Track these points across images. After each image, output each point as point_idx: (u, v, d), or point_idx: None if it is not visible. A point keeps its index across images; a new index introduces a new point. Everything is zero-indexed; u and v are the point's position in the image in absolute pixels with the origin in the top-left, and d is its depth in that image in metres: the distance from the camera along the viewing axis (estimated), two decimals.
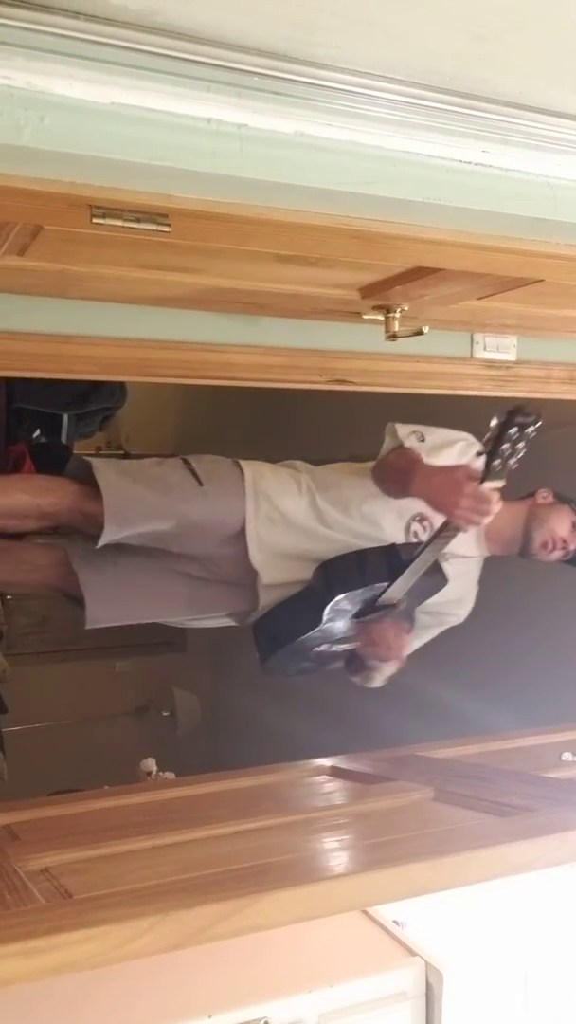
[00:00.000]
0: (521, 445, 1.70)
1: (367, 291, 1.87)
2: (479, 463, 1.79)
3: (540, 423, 1.68)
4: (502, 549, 2.29)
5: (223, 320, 2.02)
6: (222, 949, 1.33)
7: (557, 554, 2.22)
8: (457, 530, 1.91)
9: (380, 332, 1.97)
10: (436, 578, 2.12)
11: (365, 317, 1.97)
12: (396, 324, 1.95)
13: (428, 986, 1.54)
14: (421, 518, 2.18)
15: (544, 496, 2.26)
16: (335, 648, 2.20)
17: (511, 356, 2.29)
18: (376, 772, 1.88)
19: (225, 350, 2.03)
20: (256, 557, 2.15)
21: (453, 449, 2.14)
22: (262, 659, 2.23)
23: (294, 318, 2.07)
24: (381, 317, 1.96)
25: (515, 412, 1.67)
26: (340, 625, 2.16)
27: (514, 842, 1.35)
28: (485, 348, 2.25)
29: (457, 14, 1.05)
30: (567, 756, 2.04)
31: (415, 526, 2.20)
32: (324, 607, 2.08)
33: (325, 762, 2.02)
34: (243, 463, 2.22)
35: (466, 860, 1.31)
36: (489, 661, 3.23)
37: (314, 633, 2.13)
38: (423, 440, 2.13)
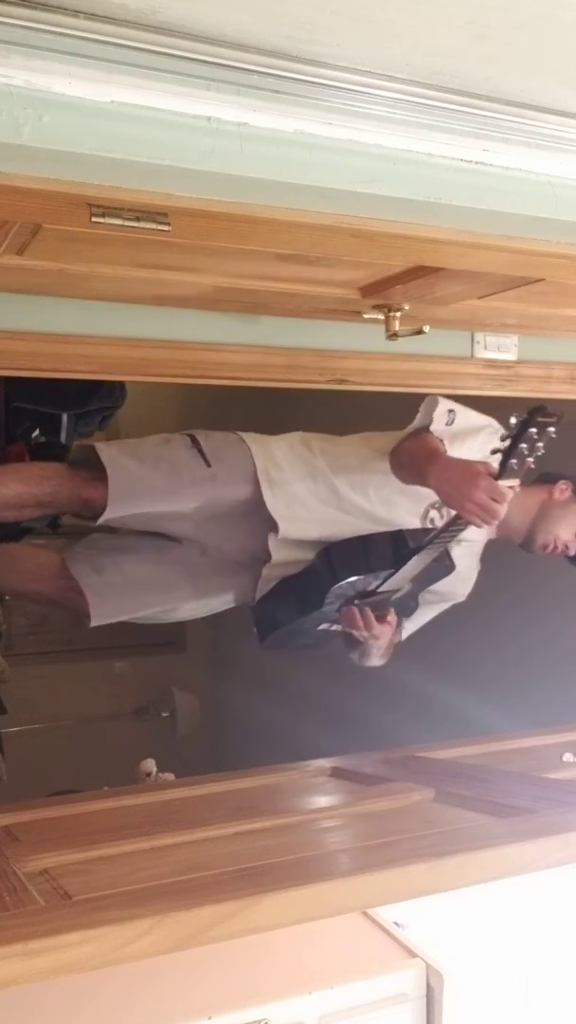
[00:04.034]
0: (540, 444, 1.68)
1: (367, 290, 1.87)
2: (494, 460, 1.76)
3: (560, 422, 1.67)
4: (507, 534, 2.23)
5: (223, 319, 2.02)
6: (222, 950, 1.33)
7: (558, 554, 2.20)
8: (467, 525, 1.88)
9: (381, 331, 1.97)
10: (444, 565, 2.08)
11: (365, 316, 1.97)
12: (396, 323, 1.95)
13: (429, 988, 1.53)
14: (440, 505, 2.12)
15: (563, 489, 2.19)
16: (335, 627, 2.16)
17: (512, 355, 2.29)
18: (376, 773, 1.88)
19: (225, 349, 2.03)
20: (273, 542, 2.09)
21: (477, 438, 2.08)
22: (261, 637, 2.20)
23: (294, 317, 2.06)
24: (381, 316, 1.96)
25: (536, 411, 1.66)
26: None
27: (515, 843, 1.35)
28: (486, 347, 2.25)
29: (458, 12, 1.05)
30: (568, 757, 2.03)
31: (432, 512, 2.15)
32: (327, 591, 2.05)
33: (325, 763, 2.02)
34: (251, 443, 2.15)
35: (467, 861, 1.30)
36: (492, 662, 3.23)
37: (314, 614, 2.11)
38: (451, 424, 2.07)
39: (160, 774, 2.41)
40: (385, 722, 3.18)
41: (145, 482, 2.08)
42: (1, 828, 1.58)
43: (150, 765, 2.44)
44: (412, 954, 1.57)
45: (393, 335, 1.96)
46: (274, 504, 2.09)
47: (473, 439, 2.08)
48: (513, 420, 1.68)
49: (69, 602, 2.23)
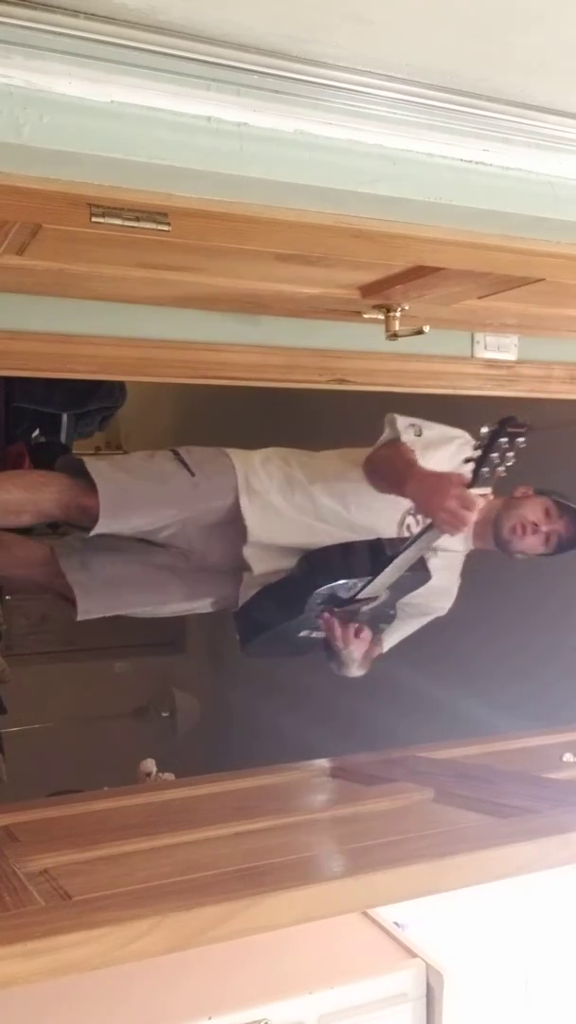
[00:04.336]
0: (511, 454, 1.72)
1: (368, 290, 1.87)
2: (467, 469, 1.80)
3: (529, 433, 1.70)
4: (482, 542, 2.28)
5: (223, 319, 2.02)
6: (222, 950, 1.33)
7: (533, 540, 2.18)
8: (441, 533, 1.92)
9: (381, 331, 1.97)
10: (419, 574, 2.12)
11: (366, 316, 1.97)
12: (397, 323, 1.95)
13: (429, 987, 1.54)
14: (416, 512, 2.17)
15: (523, 491, 2.24)
16: (315, 635, 2.20)
17: (512, 355, 2.29)
18: (376, 773, 1.88)
19: (225, 349, 2.03)
20: (248, 551, 2.15)
21: (448, 448, 2.14)
22: (242, 643, 2.25)
23: (294, 317, 2.07)
24: (382, 316, 1.96)
25: (507, 422, 1.70)
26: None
27: (515, 843, 1.35)
28: (486, 347, 2.25)
29: (458, 12, 1.05)
30: (568, 757, 2.03)
31: (409, 520, 2.19)
32: (306, 597, 2.10)
33: (325, 763, 2.02)
34: (232, 455, 2.22)
35: (467, 861, 1.30)
36: (494, 664, 3.22)
37: (295, 621, 2.15)
38: (420, 435, 2.13)
39: (160, 774, 2.41)
40: (385, 722, 3.18)
41: (134, 492, 2.13)
42: (1, 828, 1.58)
43: (150, 765, 2.44)
44: (412, 954, 1.57)
45: (393, 335, 1.96)
46: (249, 510, 2.14)
47: (444, 449, 2.13)
48: (484, 430, 1.72)
49: (57, 587, 2.29)
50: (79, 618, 2.23)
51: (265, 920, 1.16)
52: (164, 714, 4.97)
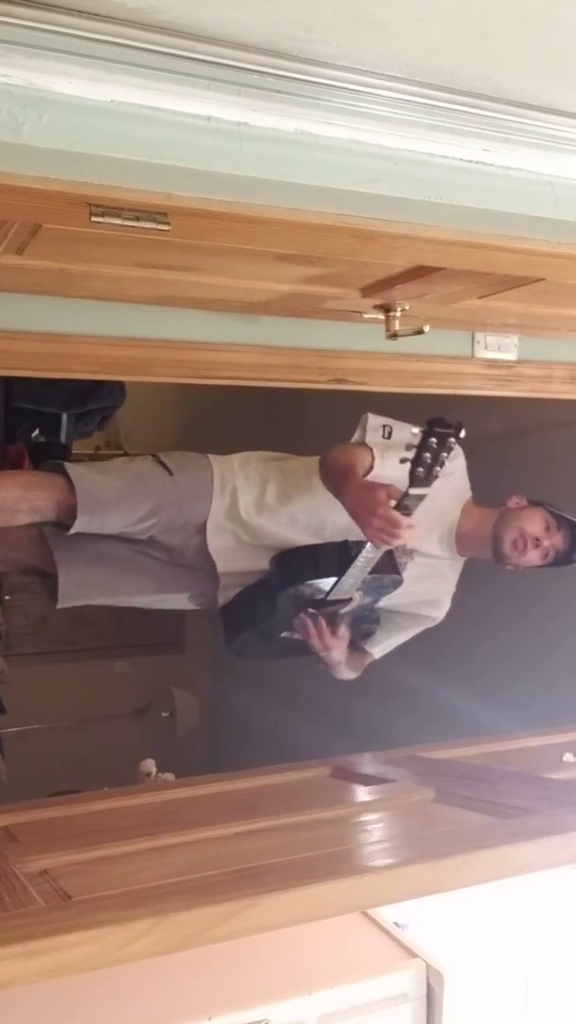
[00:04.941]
0: (445, 454, 1.74)
1: (368, 290, 1.87)
2: (403, 470, 1.81)
3: (462, 434, 1.72)
4: (474, 552, 2.27)
5: (223, 319, 2.02)
6: (222, 951, 1.33)
7: (533, 555, 2.17)
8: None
9: (381, 331, 1.97)
10: (390, 577, 2.13)
11: (366, 316, 1.97)
12: (397, 323, 1.95)
13: (429, 988, 1.54)
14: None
15: (516, 501, 2.23)
16: (296, 636, 2.21)
17: (512, 355, 2.29)
18: (376, 773, 1.88)
19: (225, 349, 2.03)
20: (214, 546, 2.18)
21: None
22: (226, 641, 2.28)
23: (294, 317, 2.06)
24: (382, 316, 1.96)
25: (434, 422, 1.72)
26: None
27: (515, 843, 1.35)
28: (486, 347, 2.25)
29: (458, 12, 1.05)
30: (568, 757, 2.03)
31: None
32: (276, 598, 2.12)
33: (325, 763, 2.02)
34: (212, 458, 2.25)
35: (467, 861, 1.30)
36: (495, 665, 3.22)
37: (272, 621, 2.17)
38: (389, 436, 2.13)
39: (160, 774, 2.41)
40: (385, 722, 3.19)
41: (111, 489, 2.17)
42: (1, 828, 1.58)
43: (150, 765, 2.44)
44: (412, 954, 1.57)
45: (393, 335, 1.96)
46: (218, 508, 2.17)
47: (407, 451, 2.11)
48: (414, 431, 1.75)
49: (49, 568, 2.30)
50: (59, 604, 2.25)
51: (265, 920, 1.16)
52: (164, 714, 4.97)
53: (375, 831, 1.54)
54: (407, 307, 1.93)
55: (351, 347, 2.12)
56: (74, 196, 1.19)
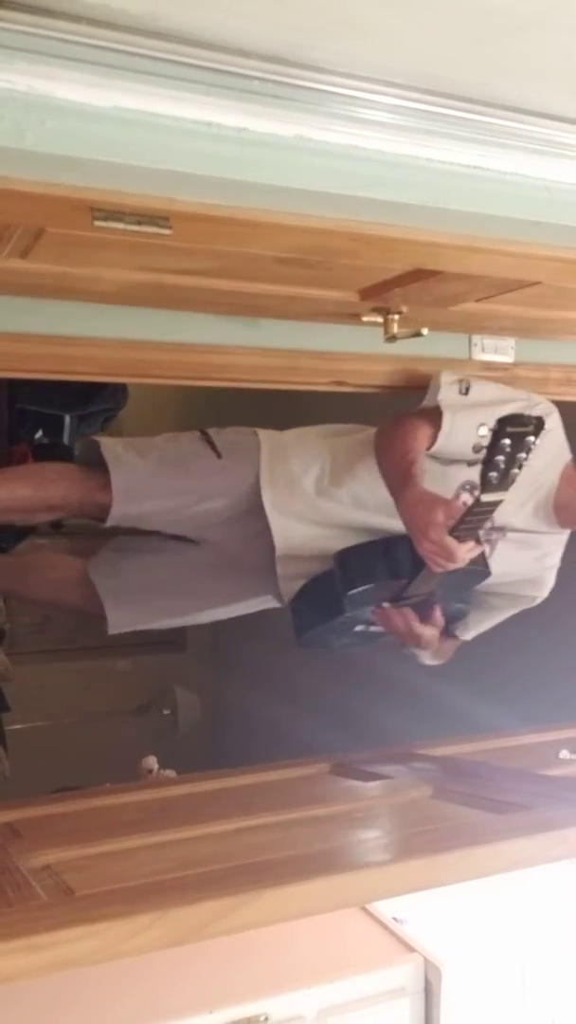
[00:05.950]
0: (522, 455, 1.50)
1: (366, 293, 1.88)
2: (478, 436, 1.54)
3: (544, 430, 1.50)
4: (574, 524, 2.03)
5: (224, 322, 2.03)
6: (222, 945, 1.34)
7: None
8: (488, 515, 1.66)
9: (379, 334, 1.98)
10: (477, 571, 1.88)
11: (364, 319, 1.98)
12: (395, 326, 1.96)
13: (427, 982, 1.55)
14: (472, 487, 1.83)
15: None
16: (373, 629, 2.03)
17: (509, 358, 2.29)
18: (376, 770, 1.89)
19: (226, 352, 2.03)
20: (276, 527, 1.97)
21: (503, 409, 1.79)
22: (296, 635, 2.09)
23: (294, 320, 2.07)
24: (380, 319, 1.96)
25: (506, 421, 1.49)
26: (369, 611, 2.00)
27: (512, 839, 1.36)
28: (483, 350, 2.25)
29: (456, 18, 1.06)
30: (565, 754, 2.04)
31: (465, 496, 1.87)
32: (343, 598, 1.94)
33: (325, 760, 2.03)
34: (261, 435, 2.06)
35: (464, 857, 1.31)
36: (496, 664, 3.22)
37: (340, 619, 1.99)
38: (466, 393, 1.91)
39: (161, 771, 2.42)
40: (384, 719, 3.19)
41: (150, 477, 2.01)
42: (4, 824, 1.59)
43: (151, 762, 2.45)
44: (410, 949, 1.59)
45: (392, 337, 1.97)
46: (268, 492, 1.98)
47: (498, 411, 1.71)
48: (483, 431, 1.51)
49: (94, 608, 2.15)
50: (110, 631, 2.11)
51: (265, 915, 1.17)
52: (165, 712, 4.97)
53: (374, 827, 1.55)
54: (405, 310, 1.94)
55: (350, 349, 2.12)
56: (77, 201, 1.20)
